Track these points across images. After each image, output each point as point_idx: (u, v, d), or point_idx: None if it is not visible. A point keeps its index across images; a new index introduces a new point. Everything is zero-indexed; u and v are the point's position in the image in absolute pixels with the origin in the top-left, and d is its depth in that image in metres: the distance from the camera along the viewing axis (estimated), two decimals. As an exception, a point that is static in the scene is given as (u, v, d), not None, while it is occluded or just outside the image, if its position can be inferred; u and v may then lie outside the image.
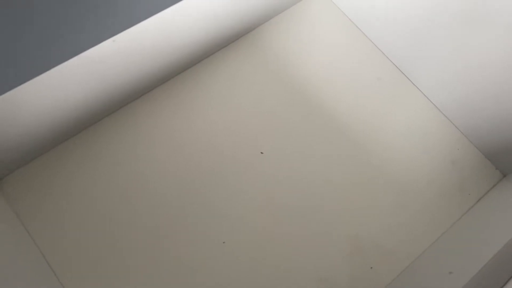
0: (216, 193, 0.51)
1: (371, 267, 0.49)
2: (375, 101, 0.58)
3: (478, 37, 0.47)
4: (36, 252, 0.45)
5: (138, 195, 0.49)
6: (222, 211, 0.50)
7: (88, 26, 0.35)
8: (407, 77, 0.60)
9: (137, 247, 0.47)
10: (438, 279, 0.39)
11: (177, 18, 0.42)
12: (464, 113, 0.55)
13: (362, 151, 0.55)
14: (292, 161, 0.53)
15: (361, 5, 0.60)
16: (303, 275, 0.48)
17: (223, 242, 0.49)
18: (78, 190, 0.49)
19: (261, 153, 0.53)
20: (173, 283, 0.46)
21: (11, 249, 0.41)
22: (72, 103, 0.44)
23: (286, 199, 0.51)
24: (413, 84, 0.60)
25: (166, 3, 0.37)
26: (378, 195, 0.53)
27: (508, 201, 0.46)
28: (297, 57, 0.59)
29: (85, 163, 0.50)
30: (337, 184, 0.53)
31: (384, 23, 0.58)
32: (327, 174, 0.53)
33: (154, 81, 0.53)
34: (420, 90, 0.60)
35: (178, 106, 0.54)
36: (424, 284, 0.42)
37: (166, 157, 0.51)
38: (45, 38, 0.34)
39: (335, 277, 0.49)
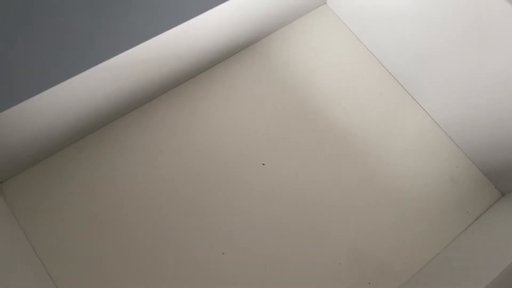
0: (216, 204, 0.51)
1: (369, 282, 0.49)
2: (376, 115, 0.59)
3: (480, 56, 0.48)
4: (34, 256, 0.45)
5: (137, 203, 0.49)
6: (222, 222, 0.50)
7: (106, 39, 0.36)
8: (409, 93, 0.61)
9: (135, 256, 0.47)
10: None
11: (188, 33, 0.42)
12: (464, 130, 0.56)
13: (363, 165, 0.55)
14: (294, 173, 0.54)
15: (365, 20, 0.60)
16: (301, 289, 0.48)
17: (222, 253, 0.49)
18: (78, 195, 0.48)
19: (263, 164, 0.53)
20: (171, 293, 0.46)
21: (9, 253, 0.40)
22: (75, 111, 0.44)
23: (286, 211, 0.51)
24: (415, 100, 0.60)
25: (182, 19, 0.38)
26: (376, 210, 0.53)
27: (507, 221, 0.46)
28: (301, 69, 0.60)
29: (86, 169, 0.50)
30: (337, 197, 0.53)
31: (387, 39, 0.58)
32: (327, 187, 0.53)
33: (157, 90, 0.53)
34: (421, 106, 0.60)
35: (180, 115, 0.54)
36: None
37: (166, 167, 0.51)
38: (58, 51, 0.35)
39: (333, 292, 0.49)
